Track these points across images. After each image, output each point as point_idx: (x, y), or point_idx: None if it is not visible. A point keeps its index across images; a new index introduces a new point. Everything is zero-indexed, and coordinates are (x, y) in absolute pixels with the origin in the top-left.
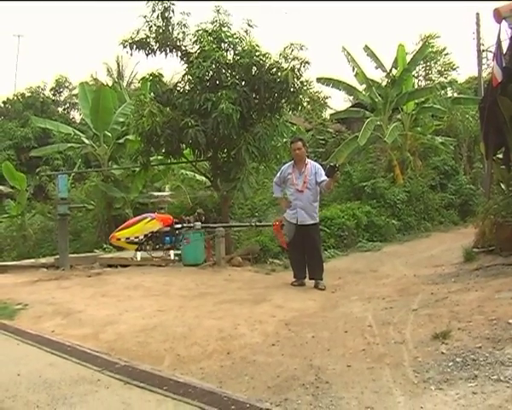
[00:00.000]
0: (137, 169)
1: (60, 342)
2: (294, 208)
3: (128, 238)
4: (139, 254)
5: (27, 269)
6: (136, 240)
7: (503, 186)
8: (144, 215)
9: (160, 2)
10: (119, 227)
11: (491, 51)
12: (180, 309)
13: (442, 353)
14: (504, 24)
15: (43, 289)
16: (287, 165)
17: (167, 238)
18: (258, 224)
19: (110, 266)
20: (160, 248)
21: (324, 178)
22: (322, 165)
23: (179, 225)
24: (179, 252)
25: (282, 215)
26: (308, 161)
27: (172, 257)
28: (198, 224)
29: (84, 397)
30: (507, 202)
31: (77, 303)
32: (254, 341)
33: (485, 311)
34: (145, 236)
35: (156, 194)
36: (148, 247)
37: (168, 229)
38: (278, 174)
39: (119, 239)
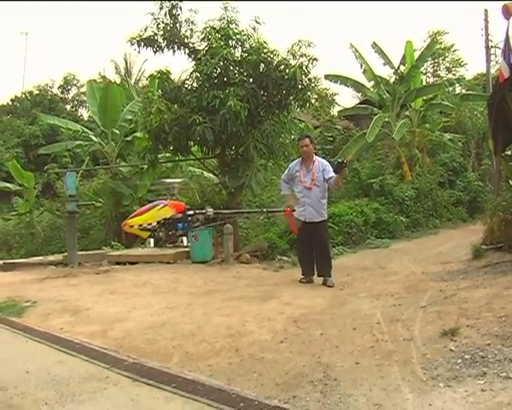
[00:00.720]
0: (145, 166)
1: (68, 340)
2: (303, 205)
3: (141, 225)
4: (152, 241)
5: (36, 266)
6: (149, 227)
7: (511, 183)
8: (157, 202)
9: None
10: (132, 214)
11: (499, 48)
12: (188, 306)
13: (451, 350)
14: None
15: (52, 287)
16: (294, 162)
17: (180, 225)
18: (269, 210)
19: (118, 263)
20: (173, 235)
21: (332, 174)
22: (329, 162)
23: (191, 212)
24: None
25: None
26: (316, 158)
27: (185, 243)
28: (210, 210)
29: (92, 394)
30: None
31: (85, 301)
32: (263, 338)
33: (493, 308)
34: (158, 222)
35: (168, 181)
36: (160, 233)
37: (181, 215)
38: (286, 171)
39: (131, 226)
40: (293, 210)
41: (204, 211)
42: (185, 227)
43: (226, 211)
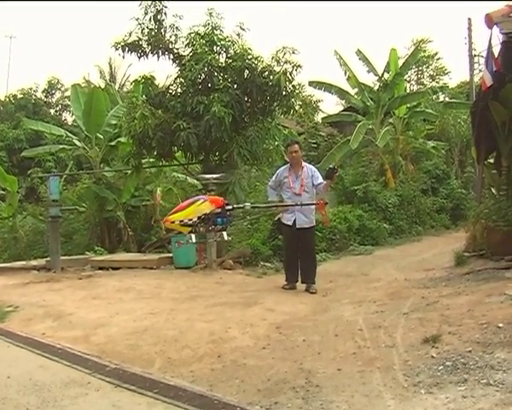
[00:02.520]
0: (129, 171)
1: (50, 345)
2: (292, 212)
3: (182, 221)
4: (194, 237)
5: (18, 271)
6: (190, 222)
7: (493, 191)
8: (196, 197)
9: (152, 5)
10: (172, 211)
11: (482, 56)
12: (171, 312)
13: (432, 357)
14: (496, 29)
15: (34, 292)
16: (282, 168)
17: (219, 220)
18: (303, 203)
19: (101, 268)
20: (213, 230)
21: (321, 180)
22: (317, 168)
23: (230, 207)
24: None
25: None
26: (304, 164)
27: (226, 238)
28: (248, 204)
29: (74, 400)
30: (498, 207)
31: (68, 306)
32: (245, 344)
33: (475, 315)
34: (198, 218)
35: (207, 176)
36: (201, 228)
37: (220, 210)
38: (274, 178)
39: (173, 222)
40: (326, 203)
41: (242, 205)
42: (224, 222)
43: (262, 205)
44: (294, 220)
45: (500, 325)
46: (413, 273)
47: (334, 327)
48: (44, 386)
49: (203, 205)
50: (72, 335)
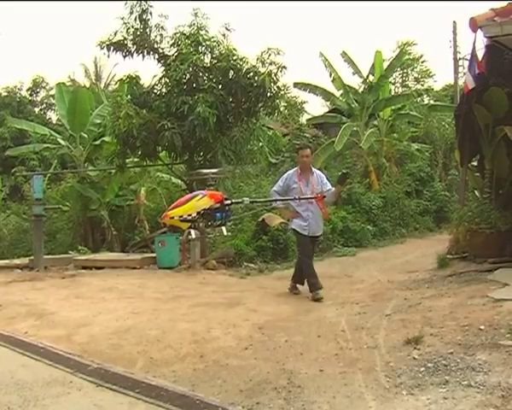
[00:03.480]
0: (113, 171)
1: (33, 344)
2: (306, 220)
3: (181, 216)
4: (193, 232)
5: (1, 270)
6: (190, 218)
7: (477, 193)
8: (195, 192)
9: (138, 4)
10: (171, 206)
11: (467, 59)
12: (154, 312)
13: (414, 358)
14: (480, 33)
15: (17, 290)
16: (290, 173)
17: (218, 214)
18: (301, 197)
19: (85, 267)
20: (212, 225)
21: (330, 187)
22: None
23: (229, 202)
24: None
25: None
26: (314, 169)
27: (225, 233)
28: (247, 199)
29: (56, 399)
30: (481, 210)
31: (50, 305)
32: (228, 344)
33: (457, 317)
34: (198, 213)
35: (205, 171)
36: (200, 224)
37: (218, 205)
38: (280, 183)
39: (172, 218)
40: (324, 197)
41: (240, 200)
42: (223, 217)
43: (261, 200)
44: (309, 229)
45: (482, 327)
46: (396, 275)
47: (316, 328)
48: (26, 385)
49: (202, 200)
50: (55, 334)
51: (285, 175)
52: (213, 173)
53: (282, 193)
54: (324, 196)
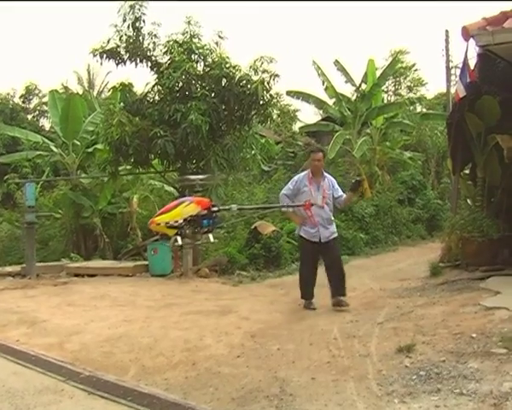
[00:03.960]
0: (106, 178)
1: (24, 352)
2: (315, 226)
3: (168, 223)
4: (179, 239)
5: None
6: (176, 224)
7: (469, 202)
8: (182, 199)
9: (131, 12)
10: (158, 212)
11: (459, 68)
12: (146, 320)
13: (406, 366)
14: (472, 42)
15: (9, 298)
16: (301, 176)
17: (205, 221)
18: (290, 205)
19: (77, 275)
20: (199, 232)
21: (341, 193)
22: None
23: (216, 209)
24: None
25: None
26: (325, 174)
27: (212, 240)
28: (234, 206)
29: (47, 407)
30: (473, 218)
31: (42, 312)
32: (220, 352)
33: (449, 325)
34: (184, 220)
35: (192, 177)
36: (187, 231)
37: (206, 212)
38: (290, 186)
39: (158, 224)
40: (312, 204)
41: (228, 207)
42: (210, 224)
43: (249, 206)
44: (319, 236)
45: (474, 335)
46: (388, 283)
47: (308, 336)
48: (17, 393)
49: (189, 206)
50: (47, 342)
51: (295, 178)
52: (201, 180)
53: (292, 197)
54: (312, 204)
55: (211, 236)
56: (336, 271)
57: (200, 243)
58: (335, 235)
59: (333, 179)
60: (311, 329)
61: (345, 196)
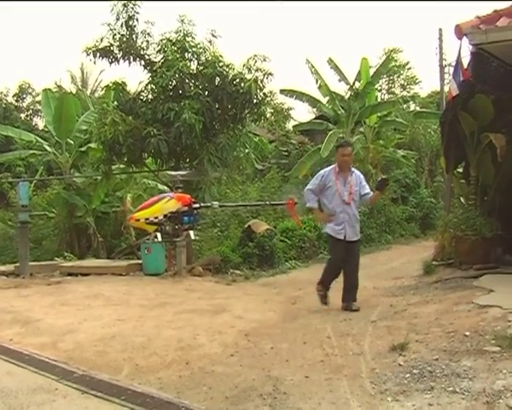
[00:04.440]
0: (99, 178)
1: (18, 351)
2: (341, 223)
3: (147, 219)
4: (159, 235)
5: None
6: (156, 220)
7: (462, 200)
8: (163, 195)
9: (124, 10)
10: (138, 208)
11: (452, 66)
12: (140, 319)
13: (399, 365)
14: (465, 40)
15: (2, 297)
16: (327, 170)
17: (186, 218)
18: (272, 203)
19: (70, 274)
20: (179, 229)
21: (368, 190)
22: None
23: (197, 205)
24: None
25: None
26: (353, 169)
27: (193, 237)
28: (216, 203)
29: (41, 407)
30: (466, 216)
31: (36, 312)
32: (213, 351)
33: (442, 323)
34: (164, 216)
35: (173, 173)
36: (167, 227)
37: (186, 209)
38: (315, 181)
39: (138, 220)
40: (296, 203)
41: (209, 204)
42: (191, 221)
43: (231, 204)
44: (345, 233)
45: (467, 333)
46: (382, 282)
47: (302, 335)
48: (11, 392)
49: (169, 203)
50: (40, 341)
51: (321, 172)
52: (182, 176)
53: (317, 192)
54: (296, 203)
55: (192, 233)
56: (352, 277)
57: (180, 241)
58: (359, 237)
59: (361, 175)
60: (305, 328)
61: (372, 193)
